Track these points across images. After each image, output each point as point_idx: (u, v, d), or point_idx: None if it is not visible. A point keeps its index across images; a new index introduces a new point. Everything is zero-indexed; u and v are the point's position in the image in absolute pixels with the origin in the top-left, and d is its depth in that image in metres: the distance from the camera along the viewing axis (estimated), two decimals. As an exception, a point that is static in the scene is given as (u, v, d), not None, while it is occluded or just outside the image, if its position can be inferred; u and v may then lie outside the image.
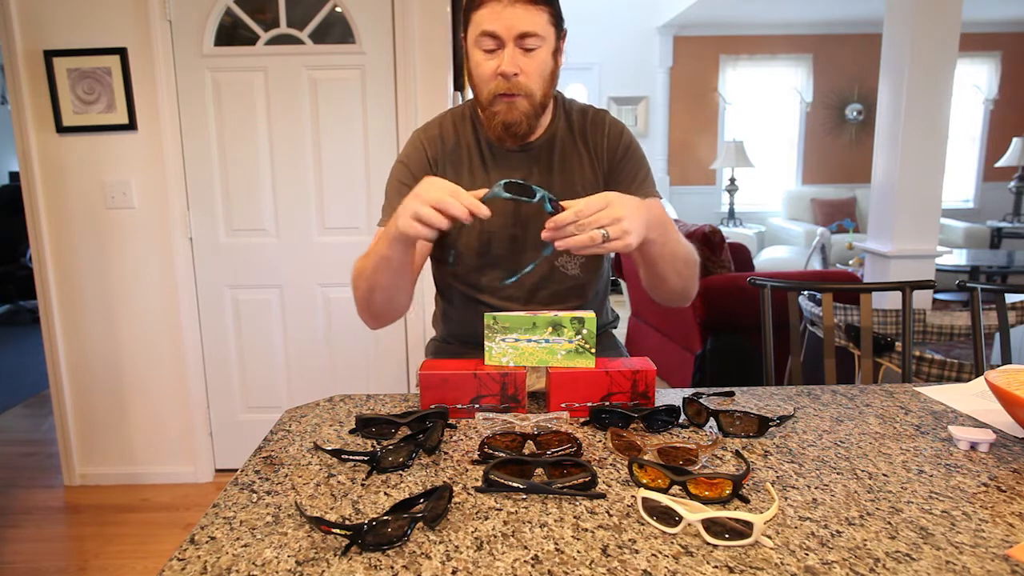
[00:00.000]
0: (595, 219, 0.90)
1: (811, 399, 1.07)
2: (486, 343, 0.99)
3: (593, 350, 0.98)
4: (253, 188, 2.46)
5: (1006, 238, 5.85)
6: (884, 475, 0.80)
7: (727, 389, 1.09)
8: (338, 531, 0.65)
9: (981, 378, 1.12)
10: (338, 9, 2.37)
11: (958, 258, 4.60)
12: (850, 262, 4.45)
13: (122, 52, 2.30)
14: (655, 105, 6.37)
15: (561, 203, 0.94)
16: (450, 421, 0.96)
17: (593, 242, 0.90)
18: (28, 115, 2.33)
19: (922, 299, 2.76)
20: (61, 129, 2.34)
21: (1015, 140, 5.95)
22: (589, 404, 0.97)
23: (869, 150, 3.24)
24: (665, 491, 0.74)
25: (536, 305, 1.21)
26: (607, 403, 0.98)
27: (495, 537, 0.67)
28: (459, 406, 0.98)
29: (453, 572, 0.61)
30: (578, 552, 0.64)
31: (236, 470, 0.84)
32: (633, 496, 0.74)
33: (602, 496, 0.75)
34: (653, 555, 0.63)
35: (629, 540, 0.66)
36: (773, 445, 0.89)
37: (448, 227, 0.93)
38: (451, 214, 0.91)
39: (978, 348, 1.51)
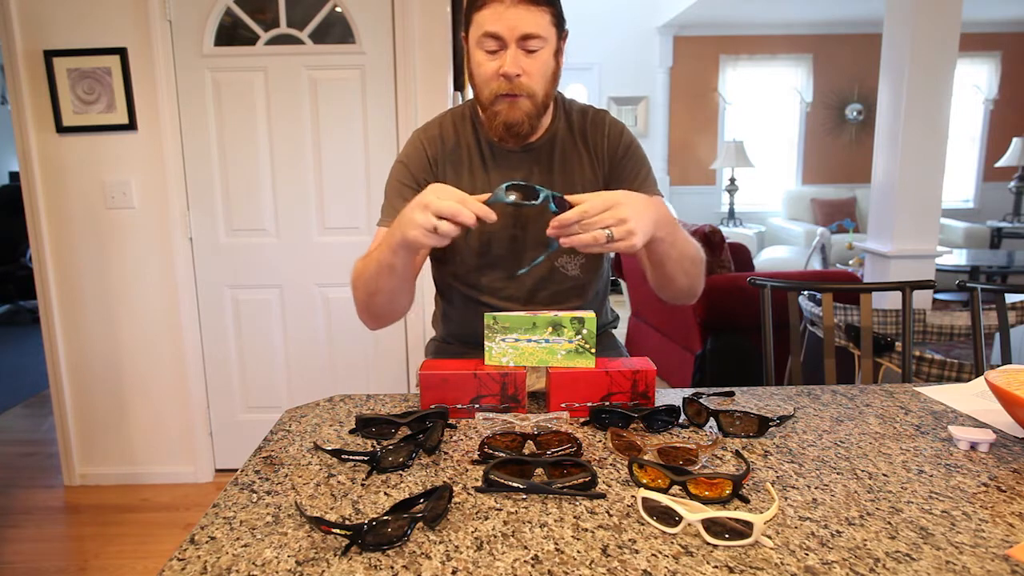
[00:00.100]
0: (600, 219, 0.90)
1: (811, 399, 1.07)
2: (486, 343, 0.99)
3: (593, 350, 0.98)
4: (253, 188, 2.46)
5: (1006, 238, 5.85)
6: (884, 475, 0.80)
7: (727, 389, 1.09)
8: (338, 531, 0.65)
9: (981, 378, 1.12)
10: (338, 9, 2.37)
11: (958, 258, 4.60)
12: (850, 262, 4.45)
13: (122, 52, 2.30)
14: (655, 105, 6.37)
15: (568, 198, 0.94)
16: (450, 421, 0.96)
17: (597, 242, 0.90)
18: (28, 115, 2.33)
19: (922, 299, 2.76)
20: (61, 129, 2.34)
21: (1015, 140, 5.95)
22: (589, 404, 0.97)
23: (869, 150, 3.24)
24: (665, 491, 0.74)
25: (536, 305, 1.21)
26: (607, 403, 0.98)
27: (495, 537, 0.67)
28: (459, 406, 0.98)
29: (453, 572, 0.61)
30: (578, 552, 0.64)
31: (236, 470, 0.84)
32: (633, 496, 0.74)
33: (602, 496, 0.75)
34: (653, 555, 0.63)
35: (629, 540, 0.66)
36: (773, 445, 0.89)
37: (458, 235, 0.93)
38: (460, 222, 0.91)
39: (978, 348, 1.51)
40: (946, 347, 2.48)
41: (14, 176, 5.84)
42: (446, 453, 0.87)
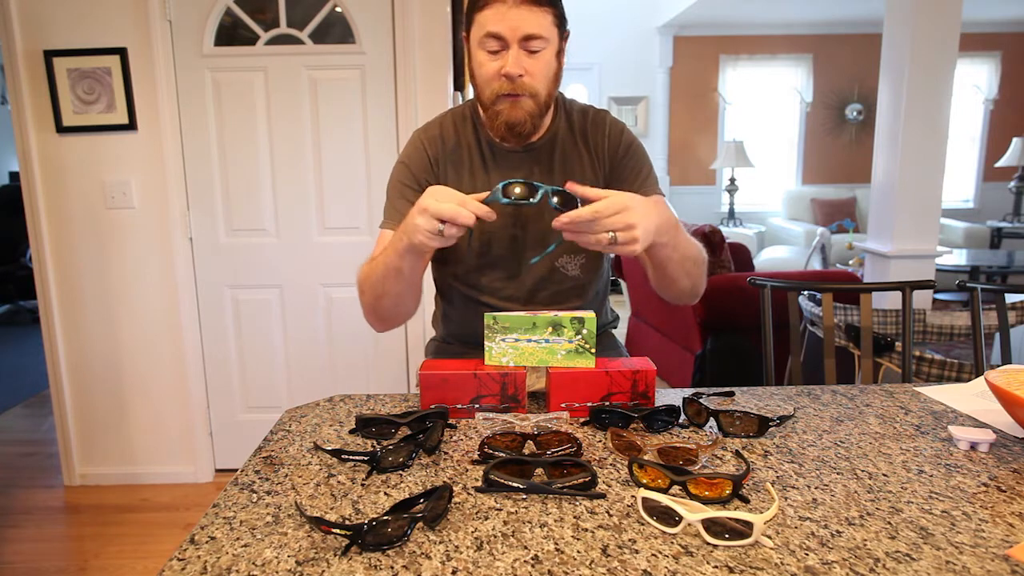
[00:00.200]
0: (609, 222, 0.90)
1: (811, 399, 1.07)
2: (486, 343, 0.99)
3: (593, 350, 0.98)
4: (253, 188, 2.46)
5: (1006, 238, 5.85)
6: (884, 475, 0.80)
7: (727, 389, 1.09)
8: (338, 531, 0.65)
9: (981, 378, 1.12)
10: (338, 9, 2.37)
11: (958, 258, 4.60)
12: (850, 262, 4.45)
13: (122, 52, 2.30)
14: (655, 105, 6.38)
15: (575, 189, 0.93)
16: (450, 421, 0.96)
17: (600, 243, 0.91)
18: (28, 115, 2.33)
19: (922, 299, 2.76)
20: (61, 129, 2.34)
21: (1015, 140, 5.95)
22: (589, 404, 0.97)
23: (869, 150, 3.25)
24: (665, 491, 0.74)
25: (536, 305, 1.21)
26: (607, 403, 0.98)
27: (495, 537, 0.67)
28: (459, 406, 0.98)
29: (453, 572, 0.61)
30: (578, 552, 0.64)
31: (236, 470, 0.84)
32: (633, 496, 0.74)
33: (602, 496, 0.75)
34: (653, 555, 0.63)
35: (629, 540, 0.66)
36: (773, 445, 0.89)
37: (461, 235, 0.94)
38: (460, 223, 0.92)
39: (978, 348, 1.51)
40: (946, 347, 2.48)
41: (14, 176, 5.84)
42: (446, 453, 0.87)
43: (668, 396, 1.05)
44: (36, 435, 3.13)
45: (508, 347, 0.98)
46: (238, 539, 0.67)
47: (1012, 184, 6.04)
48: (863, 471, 0.81)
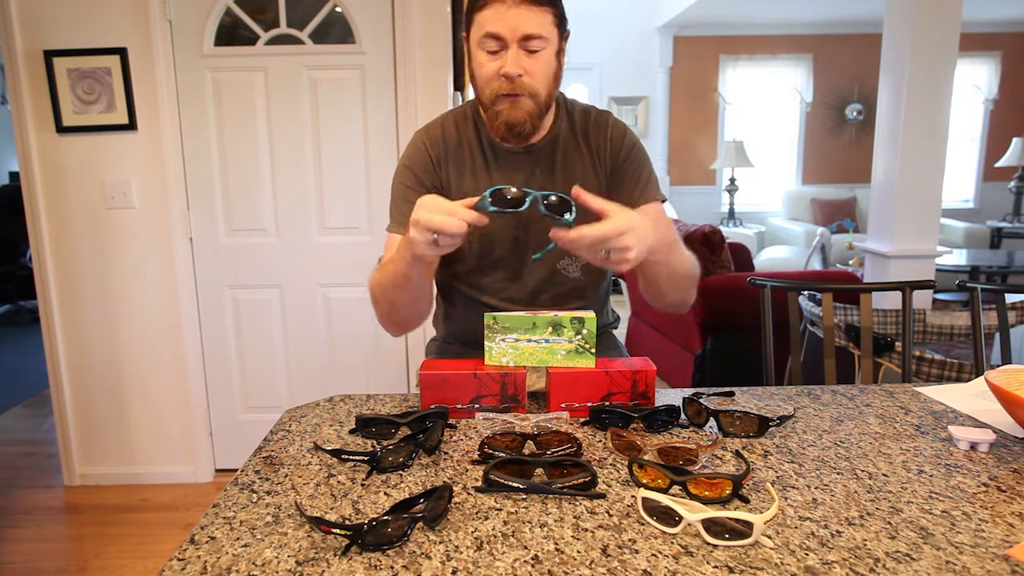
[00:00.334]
0: (610, 244, 0.90)
1: (811, 399, 1.07)
2: (486, 343, 0.99)
3: (593, 350, 0.98)
4: (253, 188, 2.46)
5: (1006, 238, 5.85)
6: (884, 475, 0.80)
7: (727, 389, 1.09)
8: (338, 531, 0.65)
9: (981, 378, 1.12)
10: (338, 9, 2.37)
11: (958, 258, 4.60)
12: (850, 262, 4.45)
13: (122, 52, 2.30)
14: (655, 105, 6.38)
15: (583, 197, 0.92)
16: (450, 421, 0.96)
17: (592, 258, 0.92)
18: (28, 115, 2.33)
19: (922, 299, 2.76)
20: (61, 129, 2.34)
21: (1015, 140, 5.95)
22: (589, 404, 0.97)
23: (869, 150, 3.25)
24: (665, 491, 0.74)
25: (537, 307, 1.21)
26: (607, 403, 0.98)
27: (495, 537, 0.67)
28: (459, 406, 0.98)
29: (453, 572, 0.61)
30: (578, 552, 0.64)
31: (236, 470, 0.84)
32: (633, 496, 0.74)
33: (602, 496, 0.75)
34: (653, 555, 0.63)
35: (629, 540, 0.66)
36: (773, 445, 0.89)
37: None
38: (451, 233, 0.91)
39: (978, 348, 1.51)
40: (946, 347, 2.49)
41: (14, 176, 5.84)
42: (446, 453, 0.87)
43: (668, 396, 1.05)
44: (36, 435, 3.13)
45: (508, 347, 0.98)
46: (238, 539, 0.67)
47: (1012, 184, 6.05)
48: (863, 471, 0.81)
